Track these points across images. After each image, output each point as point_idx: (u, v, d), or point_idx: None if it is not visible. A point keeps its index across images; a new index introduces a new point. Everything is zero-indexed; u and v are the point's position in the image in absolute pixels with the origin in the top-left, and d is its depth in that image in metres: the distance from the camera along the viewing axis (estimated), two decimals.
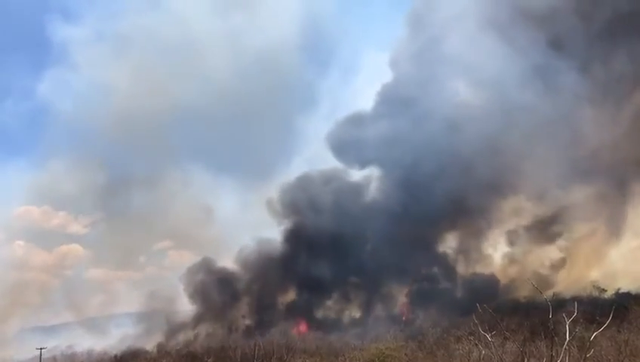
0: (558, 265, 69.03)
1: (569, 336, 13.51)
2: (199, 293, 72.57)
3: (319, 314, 71.55)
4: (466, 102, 69.21)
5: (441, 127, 65.87)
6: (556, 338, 15.05)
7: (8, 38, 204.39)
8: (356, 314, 71.79)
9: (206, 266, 74.55)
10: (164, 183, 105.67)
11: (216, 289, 71.84)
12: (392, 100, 74.03)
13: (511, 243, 72.37)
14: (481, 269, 70.77)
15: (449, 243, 73.67)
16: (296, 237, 72.85)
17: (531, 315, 45.94)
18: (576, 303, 16.92)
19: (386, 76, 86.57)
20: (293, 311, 69.83)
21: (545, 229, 69.59)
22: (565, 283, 64.57)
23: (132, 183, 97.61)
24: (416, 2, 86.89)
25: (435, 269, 71.88)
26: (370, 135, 73.06)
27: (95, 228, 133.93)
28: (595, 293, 56.25)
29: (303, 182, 76.45)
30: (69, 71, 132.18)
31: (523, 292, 61.68)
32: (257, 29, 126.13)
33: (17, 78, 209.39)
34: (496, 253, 72.98)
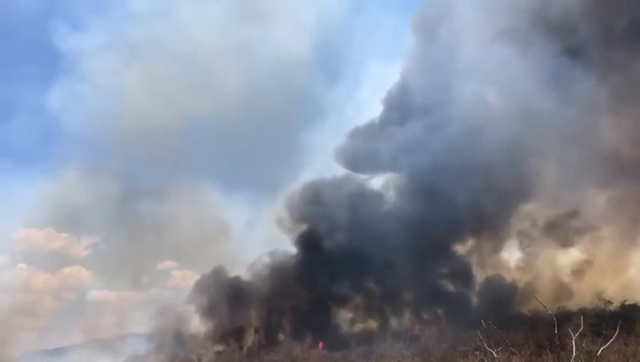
0: (575, 274, 68.28)
1: (576, 351, 13.45)
2: (207, 309, 71.82)
3: (330, 329, 70.75)
4: (481, 109, 68.94)
5: (455, 134, 65.50)
6: (562, 353, 14.97)
7: (14, 48, 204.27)
8: (368, 328, 70.93)
9: (216, 277, 73.81)
10: (172, 199, 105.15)
11: (226, 303, 71.01)
12: (403, 109, 73.82)
13: (526, 250, 71.49)
14: (497, 278, 70.10)
15: (463, 252, 73.06)
16: (307, 249, 72.31)
17: (538, 328, 45.52)
18: (582, 317, 16.82)
19: (395, 85, 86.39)
20: (303, 327, 69.06)
21: (561, 236, 68.88)
22: (579, 293, 63.87)
23: (139, 198, 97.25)
24: (423, 10, 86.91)
25: (449, 279, 71.04)
26: (381, 143, 72.73)
27: (99, 248, 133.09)
28: (601, 305, 55.61)
29: (312, 191, 76.12)
30: (78, 82, 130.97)
31: (535, 304, 60.66)
32: (269, 42, 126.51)
33: (25, 90, 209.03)
34: (512, 261, 72.21)
